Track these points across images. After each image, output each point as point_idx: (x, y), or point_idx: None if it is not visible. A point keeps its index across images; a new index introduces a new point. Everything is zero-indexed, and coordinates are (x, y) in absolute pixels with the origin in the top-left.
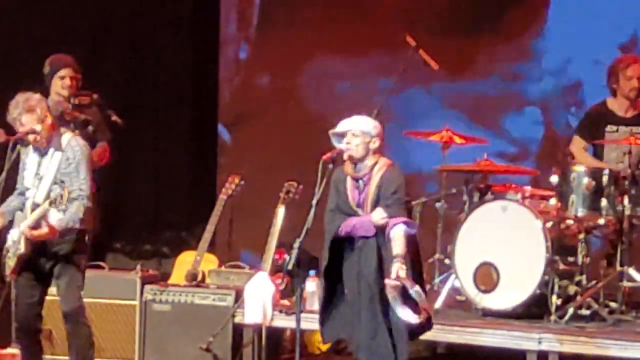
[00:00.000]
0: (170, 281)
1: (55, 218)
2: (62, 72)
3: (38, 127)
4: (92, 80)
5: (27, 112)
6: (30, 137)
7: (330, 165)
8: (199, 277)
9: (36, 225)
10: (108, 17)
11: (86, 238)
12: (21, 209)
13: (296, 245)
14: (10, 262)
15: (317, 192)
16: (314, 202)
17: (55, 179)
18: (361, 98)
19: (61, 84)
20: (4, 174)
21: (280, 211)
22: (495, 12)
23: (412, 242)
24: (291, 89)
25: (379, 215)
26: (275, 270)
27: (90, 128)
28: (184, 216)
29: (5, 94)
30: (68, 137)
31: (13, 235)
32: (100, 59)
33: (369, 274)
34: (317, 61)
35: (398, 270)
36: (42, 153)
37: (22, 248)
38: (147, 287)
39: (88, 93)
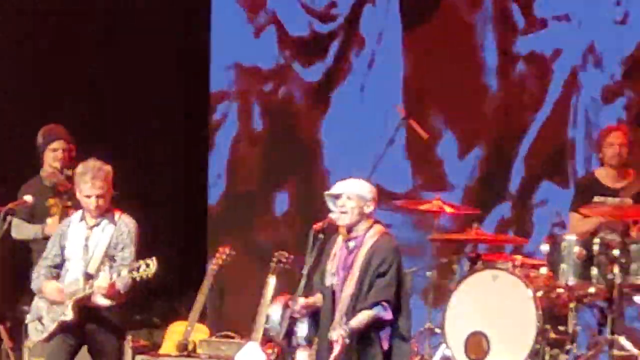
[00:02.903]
0: (161, 351)
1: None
2: (55, 145)
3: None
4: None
5: (98, 179)
6: (94, 203)
7: (321, 235)
8: (190, 347)
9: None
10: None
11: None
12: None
13: (287, 315)
14: (45, 329)
15: (307, 261)
16: (305, 271)
17: (107, 253)
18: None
19: (53, 156)
20: None
21: (271, 281)
22: None
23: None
24: (280, 157)
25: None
26: (266, 339)
27: None
28: (174, 286)
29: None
30: (119, 213)
31: (42, 305)
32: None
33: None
34: (306, 128)
35: (338, 335)
36: (92, 225)
37: (69, 315)
38: (138, 357)
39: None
